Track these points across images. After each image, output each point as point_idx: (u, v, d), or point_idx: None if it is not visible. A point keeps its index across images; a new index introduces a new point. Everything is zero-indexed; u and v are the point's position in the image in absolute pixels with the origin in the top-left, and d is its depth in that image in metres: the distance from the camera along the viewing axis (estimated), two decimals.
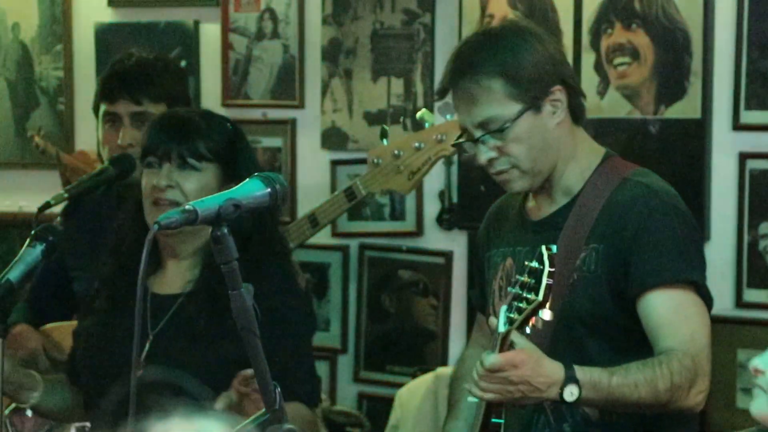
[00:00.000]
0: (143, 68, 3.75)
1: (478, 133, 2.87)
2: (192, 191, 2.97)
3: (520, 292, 2.63)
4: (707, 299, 2.87)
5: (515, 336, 2.67)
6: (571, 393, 2.69)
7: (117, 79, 3.74)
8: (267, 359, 2.59)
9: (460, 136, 2.95)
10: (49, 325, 3.73)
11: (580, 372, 2.70)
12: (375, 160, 3.71)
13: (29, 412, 3.14)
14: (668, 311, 2.82)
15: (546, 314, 2.62)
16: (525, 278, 2.63)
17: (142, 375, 2.77)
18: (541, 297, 2.59)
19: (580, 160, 2.94)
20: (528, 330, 2.66)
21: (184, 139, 3.02)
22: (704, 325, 2.85)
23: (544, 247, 2.62)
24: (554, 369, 2.69)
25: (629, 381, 2.74)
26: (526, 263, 2.65)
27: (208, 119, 3.08)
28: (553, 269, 2.59)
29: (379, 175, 3.70)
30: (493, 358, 2.65)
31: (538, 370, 2.67)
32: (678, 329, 2.81)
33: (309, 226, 3.85)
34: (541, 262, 2.61)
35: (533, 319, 2.64)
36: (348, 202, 3.79)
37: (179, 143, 3.01)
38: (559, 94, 2.88)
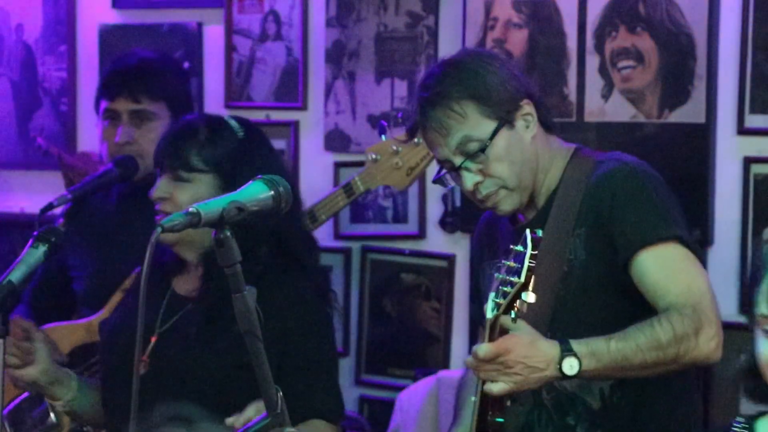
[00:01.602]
0: (143, 66, 3.75)
1: (458, 161, 2.89)
2: (184, 203, 2.98)
3: (506, 276, 2.64)
4: (696, 251, 2.87)
5: (505, 320, 2.68)
6: (570, 366, 2.70)
7: (117, 76, 3.74)
8: (287, 376, 2.59)
9: (439, 171, 2.96)
10: (47, 326, 3.73)
11: (576, 344, 2.71)
12: (373, 156, 3.70)
13: (53, 416, 3.15)
14: (659, 269, 2.83)
15: (530, 297, 2.63)
16: (510, 263, 2.65)
17: (155, 410, 2.79)
18: (523, 278, 2.60)
19: (556, 163, 2.98)
20: (512, 314, 2.66)
21: (176, 152, 3.03)
22: (699, 274, 2.86)
23: (528, 231, 2.63)
24: (550, 346, 2.70)
25: (629, 343, 2.73)
26: (511, 246, 2.66)
27: (213, 128, 3.06)
28: (535, 252, 2.61)
29: (377, 171, 3.69)
30: (484, 348, 2.65)
31: (532, 350, 2.68)
32: (673, 284, 2.81)
33: (307, 222, 3.84)
34: (525, 245, 2.62)
35: (517, 302, 2.64)
36: (346, 198, 3.78)
37: (171, 156, 3.03)
38: (528, 107, 2.93)
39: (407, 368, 4.63)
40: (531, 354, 2.67)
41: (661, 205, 2.88)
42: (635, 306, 2.85)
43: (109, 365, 3.09)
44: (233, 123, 3.08)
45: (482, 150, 2.86)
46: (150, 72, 3.73)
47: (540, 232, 2.65)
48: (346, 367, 4.78)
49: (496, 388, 2.69)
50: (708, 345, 2.78)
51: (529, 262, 2.60)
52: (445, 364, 4.55)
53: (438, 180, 3.00)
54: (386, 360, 4.70)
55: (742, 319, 4.11)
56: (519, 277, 2.61)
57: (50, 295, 3.83)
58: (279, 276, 2.97)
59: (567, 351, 2.69)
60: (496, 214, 3.09)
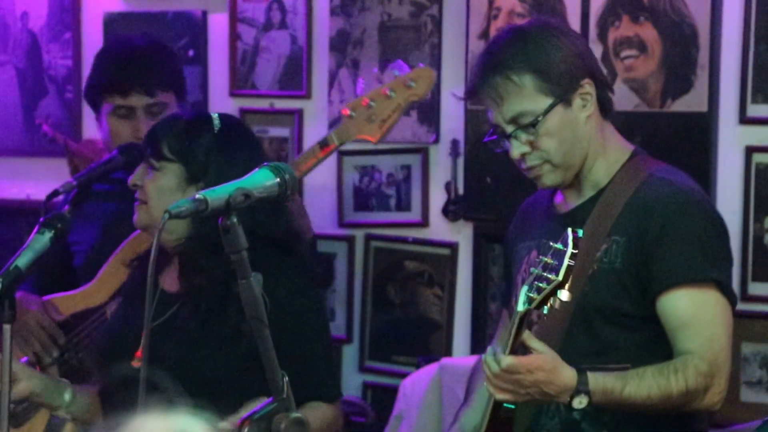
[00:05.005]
0: (148, 56, 3.73)
1: (510, 129, 2.90)
2: (151, 191, 3.00)
3: (542, 272, 2.65)
4: (731, 297, 2.88)
5: (532, 341, 2.69)
6: (579, 402, 2.72)
7: (125, 70, 3.71)
8: (285, 359, 2.63)
9: (492, 133, 2.98)
10: (48, 297, 3.77)
11: (593, 381, 2.72)
12: (349, 113, 3.71)
13: (61, 412, 3.17)
14: (689, 311, 2.83)
15: (564, 295, 2.63)
16: (548, 259, 2.65)
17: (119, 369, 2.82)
18: (561, 277, 2.60)
19: (609, 155, 2.97)
20: (545, 310, 2.67)
21: (150, 140, 3.05)
22: (725, 325, 2.86)
23: (570, 230, 2.64)
24: (568, 377, 2.71)
25: (642, 391, 2.75)
26: (551, 244, 2.66)
27: (191, 121, 3.06)
28: (576, 251, 2.60)
29: (352, 125, 3.70)
30: (507, 360, 2.67)
31: (552, 378, 2.69)
32: (698, 331, 2.82)
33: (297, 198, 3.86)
34: (565, 244, 2.62)
35: (551, 299, 2.66)
36: (320, 150, 3.77)
37: (147, 144, 3.06)
38: (588, 87, 2.92)
39: (410, 355, 4.65)
40: (549, 381, 2.69)
41: (709, 245, 2.87)
42: (656, 314, 2.87)
43: (112, 364, 3.09)
44: (215, 117, 3.08)
45: (533, 124, 2.87)
46: (157, 62, 3.72)
47: (581, 232, 2.65)
48: (350, 353, 4.81)
49: (502, 397, 2.73)
50: (712, 399, 2.83)
51: (569, 261, 2.61)
52: (448, 351, 4.57)
53: (489, 142, 3.01)
54: (390, 347, 4.72)
55: (742, 307, 4.13)
56: (557, 274, 2.61)
57: (51, 269, 3.85)
58: (273, 266, 2.98)
59: (582, 386, 2.71)
60: (535, 203, 3.11)
